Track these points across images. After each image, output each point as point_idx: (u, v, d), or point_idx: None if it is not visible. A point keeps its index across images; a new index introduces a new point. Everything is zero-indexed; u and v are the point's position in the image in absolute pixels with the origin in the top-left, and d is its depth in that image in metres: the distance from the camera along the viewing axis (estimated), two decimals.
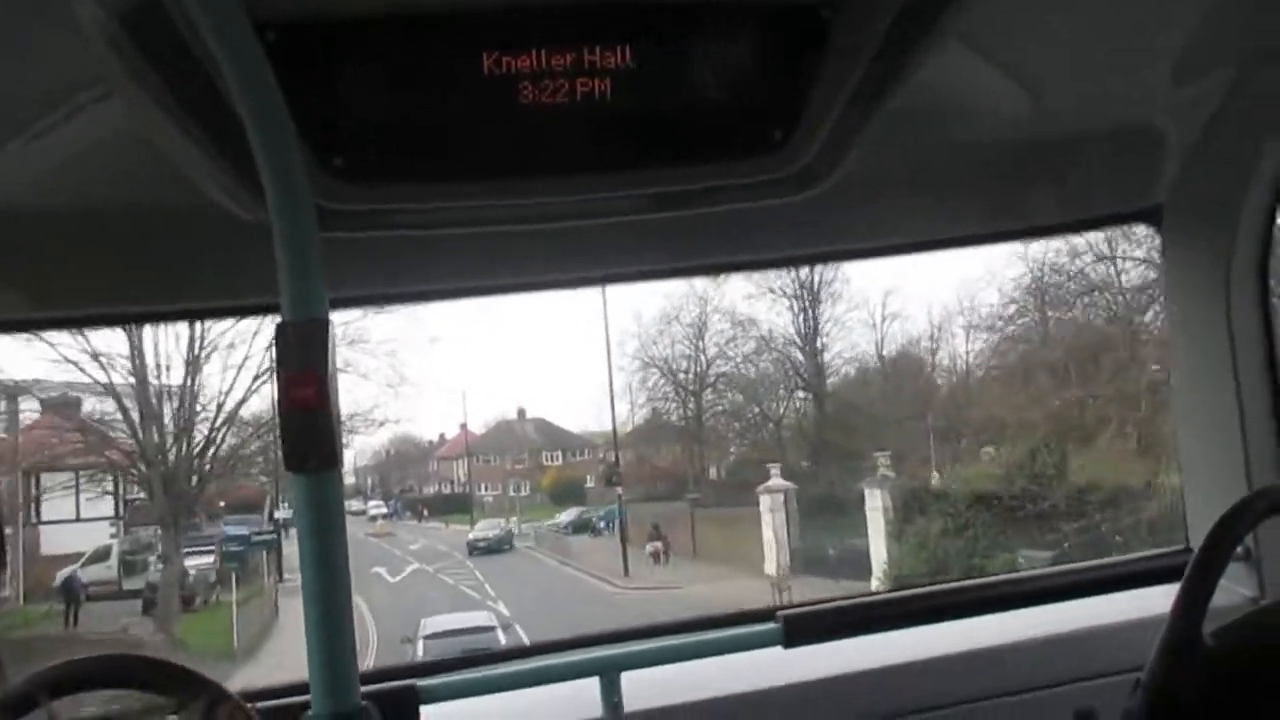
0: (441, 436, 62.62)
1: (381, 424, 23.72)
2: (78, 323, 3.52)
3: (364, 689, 1.49)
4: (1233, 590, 2.15)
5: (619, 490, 31.09)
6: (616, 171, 1.62)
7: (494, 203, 1.63)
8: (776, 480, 24.12)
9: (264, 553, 29.44)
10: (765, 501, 23.74)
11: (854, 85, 1.56)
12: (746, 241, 2.08)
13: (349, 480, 58.85)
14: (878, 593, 3.75)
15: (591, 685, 1.99)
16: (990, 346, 26.21)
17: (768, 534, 23.49)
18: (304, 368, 1.35)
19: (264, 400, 20.46)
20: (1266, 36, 1.84)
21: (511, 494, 55.19)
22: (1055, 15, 1.61)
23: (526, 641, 16.03)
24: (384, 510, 52.65)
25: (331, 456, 1.41)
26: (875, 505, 20.16)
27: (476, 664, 2.15)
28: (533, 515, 45.32)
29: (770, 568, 22.97)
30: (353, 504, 53.21)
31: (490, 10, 1.46)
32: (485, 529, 38.20)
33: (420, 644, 16.20)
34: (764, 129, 1.60)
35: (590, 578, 27.56)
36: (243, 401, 19.44)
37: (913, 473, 20.72)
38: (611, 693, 1.96)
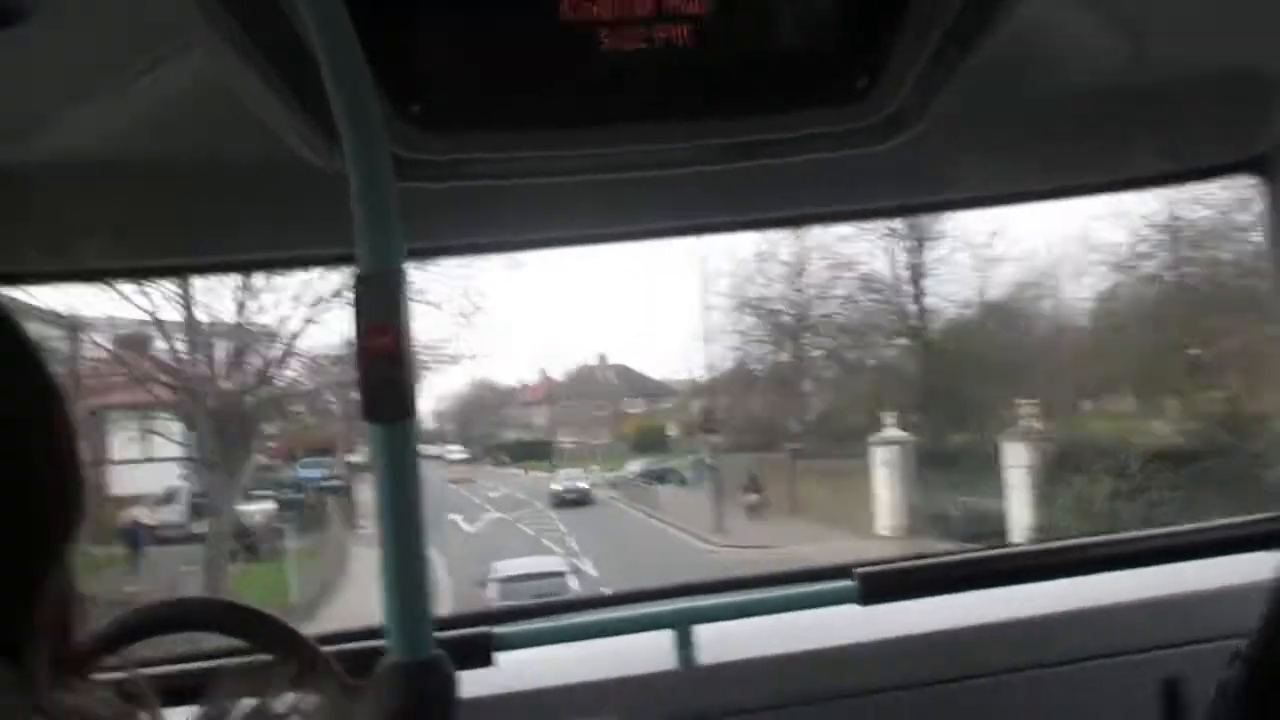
0: (522, 382, 62.41)
1: (455, 360, 21.14)
2: (155, 272, 3.42)
3: (438, 635, 1.48)
4: None
5: (714, 438, 28.42)
6: (697, 120, 1.52)
7: (572, 152, 1.55)
8: (892, 431, 21.44)
9: (336, 499, 27.92)
10: (879, 454, 21.11)
11: (942, 31, 1.42)
12: (830, 192, 1.97)
13: (427, 425, 57.82)
14: (958, 551, 3.42)
15: (664, 637, 1.92)
16: (1125, 286, 23.03)
17: (881, 490, 20.91)
18: (382, 318, 1.34)
19: (325, 336, 19.40)
20: None
21: (593, 442, 54.11)
22: None
23: (599, 587, 16.71)
24: (463, 454, 51.65)
25: (408, 406, 1.39)
26: (1017, 462, 17.48)
27: (550, 612, 2.09)
28: (614, 464, 43.49)
29: (884, 527, 20.43)
30: (430, 449, 53.56)
31: None
32: (570, 479, 35.34)
33: (494, 587, 16.09)
34: (848, 76, 1.47)
35: (681, 533, 25.26)
36: (296, 336, 17.45)
37: (1060, 425, 17.80)
38: (685, 645, 1.90)
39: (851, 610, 1.99)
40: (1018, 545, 3.03)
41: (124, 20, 1.30)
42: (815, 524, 23.23)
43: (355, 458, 39.28)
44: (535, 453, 51.55)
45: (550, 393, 57.36)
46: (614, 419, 55.47)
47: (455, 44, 1.42)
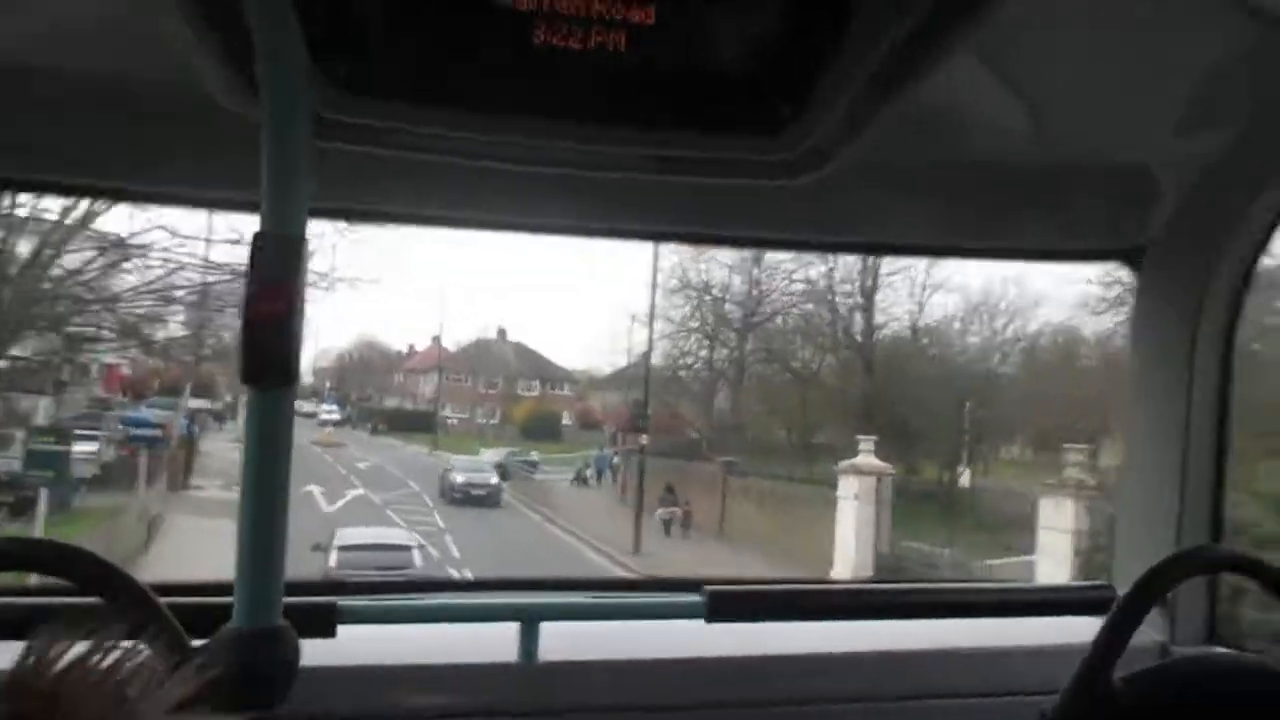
0: (411, 348, 57.63)
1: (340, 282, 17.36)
2: (52, 188, 3.13)
3: (284, 600, 1.48)
4: (1145, 633, 2.00)
5: (644, 439, 23.72)
6: (619, 126, 1.50)
7: (491, 138, 1.53)
8: (867, 458, 17.32)
9: (170, 450, 22.66)
10: (849, 485, 17.06)
11: (868, 75, 1.46)
12: (739, 217, 1.99)
13: (306, 380, 52.81)
14: (803, 580, 3.19)
15: (509, 629, 1.88)
16: None
17: (845, 528, 16.91)
18: (277, 280, 1.33)
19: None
20: (1276, 90, 1.82)
21: (480, 420, 49.93)
22: (1072, 45, 1.61)
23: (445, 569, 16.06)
24: (336, 416, 46.86)
25: (289, 373, 1.37)
26: (1059, 523, 13.47)
27: (398, 589, 2.11)
28: (500, 448, 38.96)
29: (842, 570, 16.31)
30: (304, 405, 50.68)
31: None
32: (474, 468, 28.39)
33: (334, 554, 14.89)
34: (773, 107, 1.49)
35: (585, 547, 20.76)
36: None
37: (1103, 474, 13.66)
38: (529, 640, 1.87)
39: (699, 625, 1.96)
40: (865, 581, 3.29)
41: None
42: (746, 550, 19.22)
43: (202, 402, 34.50)
44: (417, 424, 47.18)
45: (441, 362, 52.39)
46: (506, 399, 50.94)
47: (390, 11, 1.39)
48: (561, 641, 1.89)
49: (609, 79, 1.41)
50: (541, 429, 46.80)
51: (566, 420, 48.54)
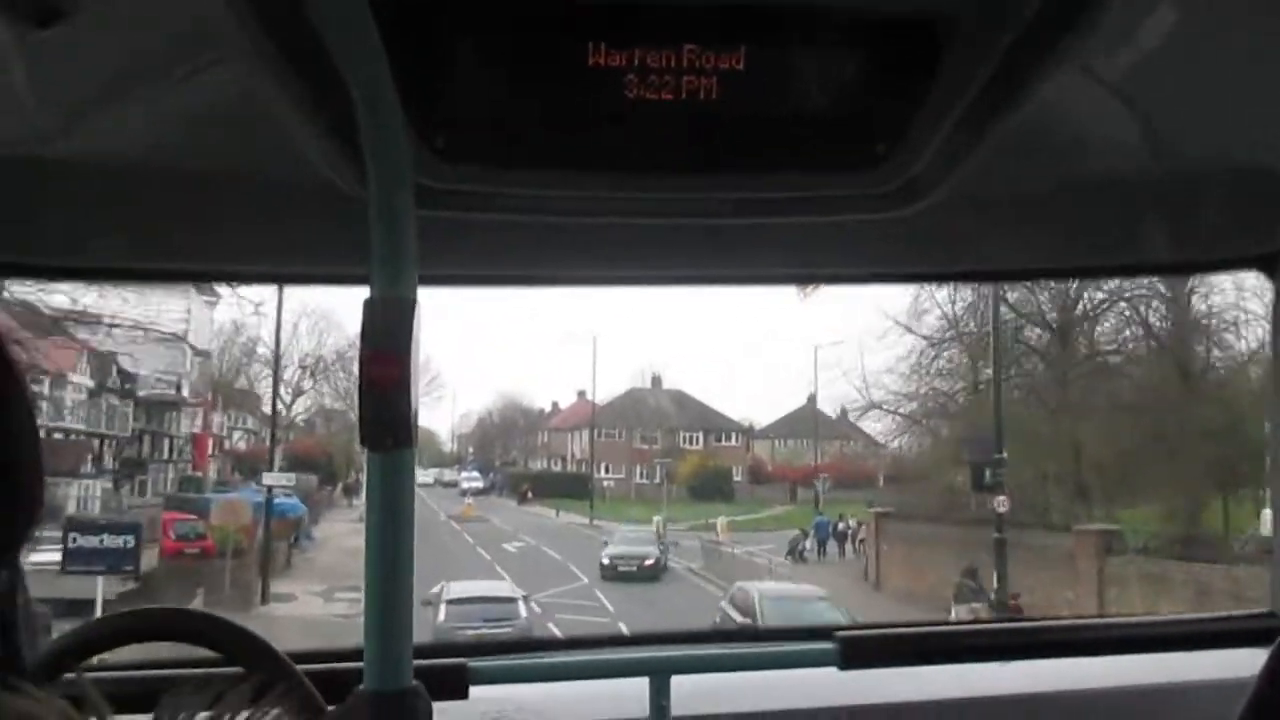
0: (555, 405, 51.85)
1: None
2: (170, 276, 2.94)
3: (415, 663, 1.50)
4: None
5: (1001, 502, 15.67)
6: (717, 173, 1.52)
7: (591, 194, 1.57)
8: None
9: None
10: None
11: (965, 105, 1.44)
12: (841, 255, 1.93)
13: (446, 448, 51.27)
14: (942, 623, 3.09)
15: (639, 685, 1.84)
16: None
17: None
18: (388, 346, 1.36)
19: None
20: None
21: (639, 480, 43.19)
22: (1181, 50, 1.46)
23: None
24: (479, 484, 40.78)
25: (407, 436, 1.38)
26: None
27: (526, 649, 2.13)
28: (671, 511, 31.93)
29: None
30: (445, 474, 44.46)
31: (601, 2, 1.39)
32: (629, 541, 23.73)
33: (443, 608, 14.73)
34: (868, 142, 1.48)
35: None
36: None
37: None
38: (660, 695, 1.83)
39: (831, 673, 1.93)
40: (1002, 621, 3.31)
41: (162, 27, 1.32)
42: None
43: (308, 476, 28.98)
44: (569, 489, 40.79)
45: (590, 418, 45.94)
46: (667, 453, 43.90)
47: (484, 80, 1.42)
48: (693, 695, 1.86)
49: (703, 127, 1.42)
50: (710, 487, 40.10)
51: (737, 476, 41.93)
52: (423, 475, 44.55)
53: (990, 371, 16.69)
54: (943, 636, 2.11)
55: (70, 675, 0.82)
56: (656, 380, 47.85)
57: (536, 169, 1.46)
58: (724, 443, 45.18)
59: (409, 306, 1.38)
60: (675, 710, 1.82)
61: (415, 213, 1.41)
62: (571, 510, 35.86)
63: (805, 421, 46.53)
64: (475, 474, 41.89)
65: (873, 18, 1.41)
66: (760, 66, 1.39)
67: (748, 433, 46.14)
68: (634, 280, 2.13)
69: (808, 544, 23.39)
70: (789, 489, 41.84)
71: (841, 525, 23.30)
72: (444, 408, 71.82)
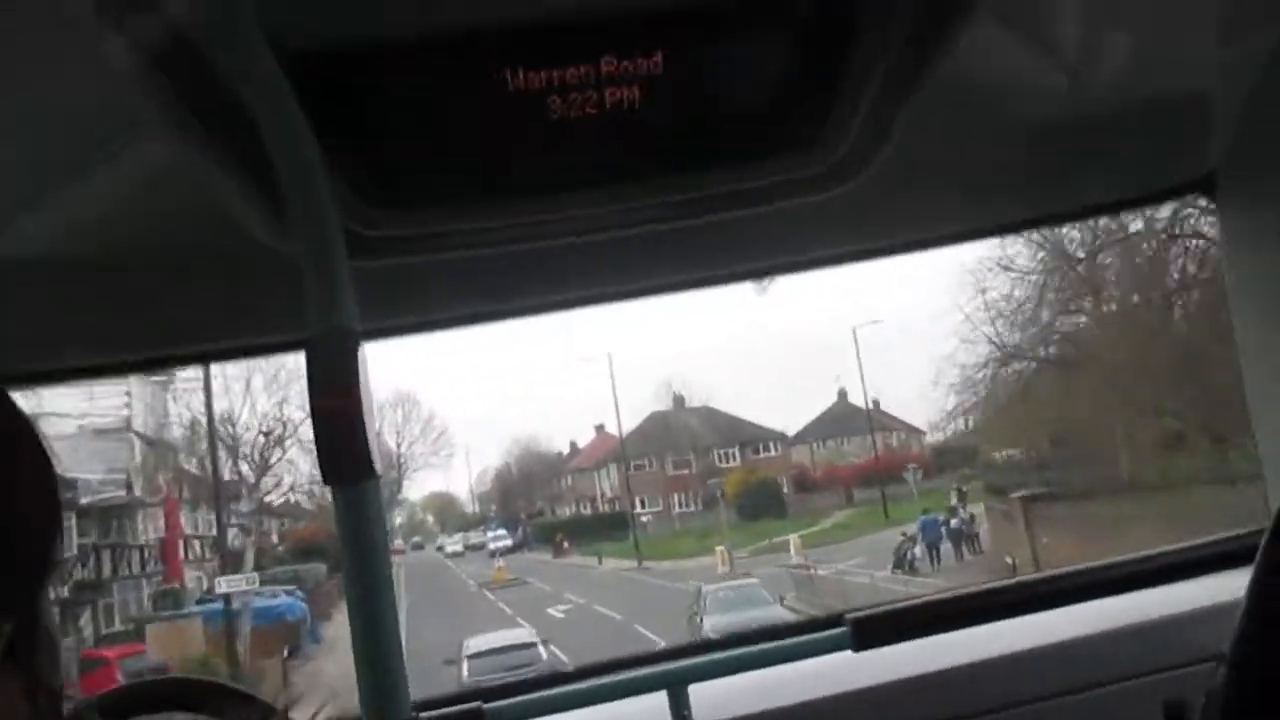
0: (573, 445, 48.11)
1: None
2: (124, 368, 2.21)
3: (427, 715, 1.59)
4: None
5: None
6: (651, 179, 1.51)
7: (529, 219, 1.54)
8: None
9: None
10: None
11: (885, 72, 1.45)
12: (789, 244, 1.95)
13: (468, 509, 49.61)
14: (946, 590, 2.57)
15: (659, 700, 1.84)
16: None
17: None
18: (336, 380, 1.30)
19: None
20: None
21: (679, 509, 39.26)
22: None
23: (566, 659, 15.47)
24: (506, 541, 36.81)
25: (367, 466, 1.35)
26: None
27: (540, 685, 2.02)
28: (733, 538, 28.13)
29: None
30: (471, 536, 41.65)
31: (515, 27, 1.39)
32: (734, 605, 17.09)
33: (465, 664, 14.95)
34: (795, 125, 1.49)
35: None
36: None
37: None
38: (680, 706, 1.84)
39: (845, 658, 1.93)
40: (1004, 580, 2.44)
41: (71, 113, 1.32)
42: None
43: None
44: (606, 531, 36.79)
45: (615, 452, 42.20)
46: (702, 477, 40.17)
47: (406, 121, 1.41)
48: (714, 701, 1.88)
49: (631, 135, 1.42)
50: (759, 503, 36.30)
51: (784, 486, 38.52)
52: (451, 544, 40.94)
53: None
54: (950, 603, 2.09)
55: None
56: (679, 400, 43.98)
57: (472, 203, 1.46)
58: (762, 454, 41.52)
59: (352, 340, 1.32)
60: (697, 717, 1.82)
61: (350, 262, 1.34)
62: (614, 554, 31.86)
63: (840, 420, 43.33)
64: (502, 531, 37.98)
65: (780, 2, 1.41)
66: (679, 67, 1.39)
67: (785, 440, 42.55)
68: (589, 300, 2.03)
69: (917, 550, 19.13)
70: (843, 493, 38.19)
71: (954, 522, 19.11)
72: (458, 468, 68.98)
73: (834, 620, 1.93)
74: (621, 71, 1.37)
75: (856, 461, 39.66)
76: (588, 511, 42.72)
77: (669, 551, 30.79)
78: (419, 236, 1.49)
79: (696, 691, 1.82)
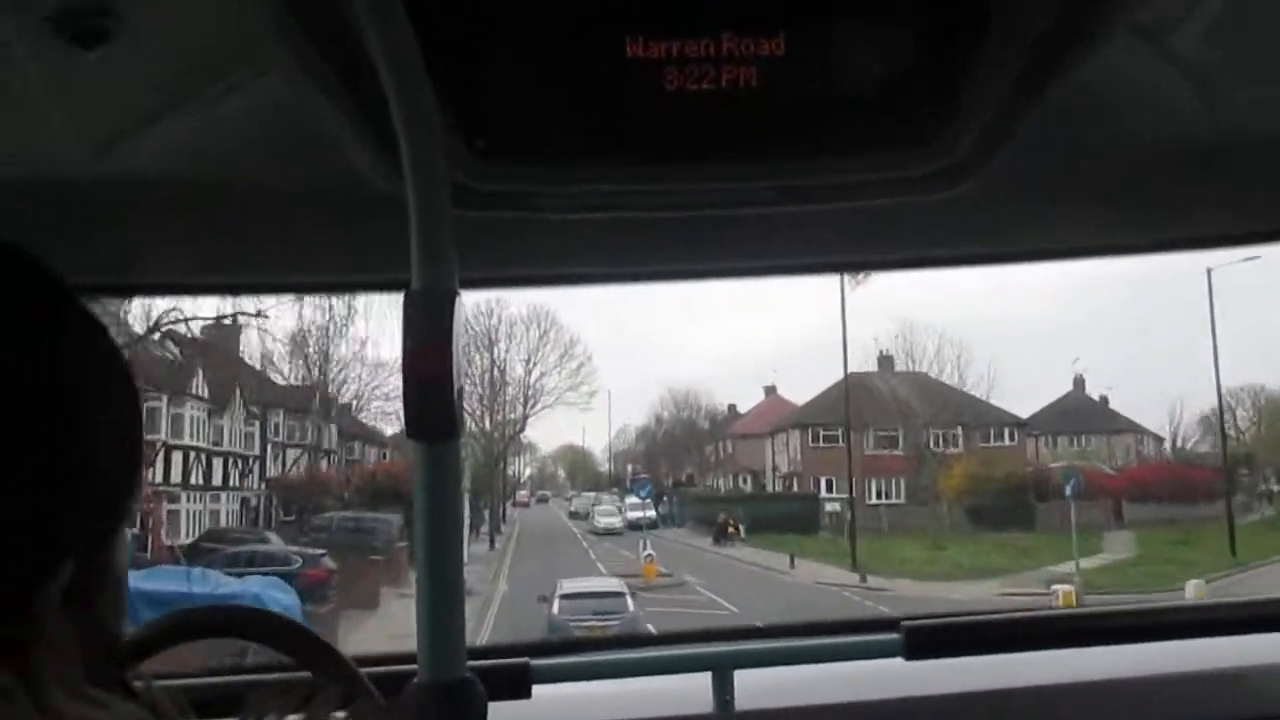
0: (731, 409, 38.96)
1: None
2: (220, 289, 2.97)
3: (476, 663, 1.49)
4: None
5: None
6: (760, 162, 1.48)
7: (635, 188, 1.52)
8: None
9: None
10: None
11: (1014, 76, 1.40)
12: (893, 239, 1.82)
13: (602, 468, 43.17)
14: (1008, 611, 2.65)
15: (703, 680, 1.81)
16: None
17: None
18: (430, 338, 1.34)
19: None
20: None
21: (874, 499, 29.28)
22: (1238, 8, 1.38)
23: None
24: (650, 513, 27.11)
25: (452, 427, 1.39)
26: None
27: (588, 648, 2.16)
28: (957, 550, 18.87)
29: None
30: (603, 499, 34.04)
31: None
32: None
33: (556, 602, 15.28)
34: (915, 121, 1.43)
35: None
36: None
37: None
38: (724, 689, 1.80)
39: (895, 664, 1.88)
40: (1068, 609, 2.58)
41: (201, 43, 1.34)
42: None
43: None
44: (787, 518, 27.09)
45: (793, 417, 33.86)
46: (910, 464, 30.18)
47: (521, 78, 1.41)
48: (757, 690, 1.84)
49: (744, 115, 1.40)
50: (1002, 508, 26.97)
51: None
52: (579, 501, 34.72)
53: None
54: (1008, 624, 2.08)
55: (140, 683, 0.82)
56: (885, 361, 33.68)
57: (577, 166, 1.47)
58: (993, 443, 31.35)
59: (449, 297, 1.38)
60: (739, 705, 1.81)
61: (454, 212, 1.40)
62: (807, 553, 21.92)
63: (1075, 414, 33.73)
64: (644, 498, 28.26)
65: None
66: (801, 51, 1.37)
67: (1022, 427, 32.49)
68: (682, 275, 2.06)
69: None
70: (1109, 507, 28.34)
71: None
72: (596, 417, 60.20)
73: (889, 624, 1.91)
74: (742, 50, 1.35)
75: (1128, 468, 29.87)
76: (747, 486, 34.97)
77: (889, 560, 20.77)
78: (524, 193, 1.50)
79: (741, 677, 1.80)
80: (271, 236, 1.69)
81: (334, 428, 24.61)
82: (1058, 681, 1.89)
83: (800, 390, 35.06)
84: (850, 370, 31.11)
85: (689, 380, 44.97)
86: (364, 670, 1.35)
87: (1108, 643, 1.97)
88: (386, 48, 1.23)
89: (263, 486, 21.64)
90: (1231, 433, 31.93)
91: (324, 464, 24.15)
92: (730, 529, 25.59)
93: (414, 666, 1.39)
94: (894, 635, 1.84)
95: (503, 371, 29.90)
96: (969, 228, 1.76)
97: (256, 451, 21.40)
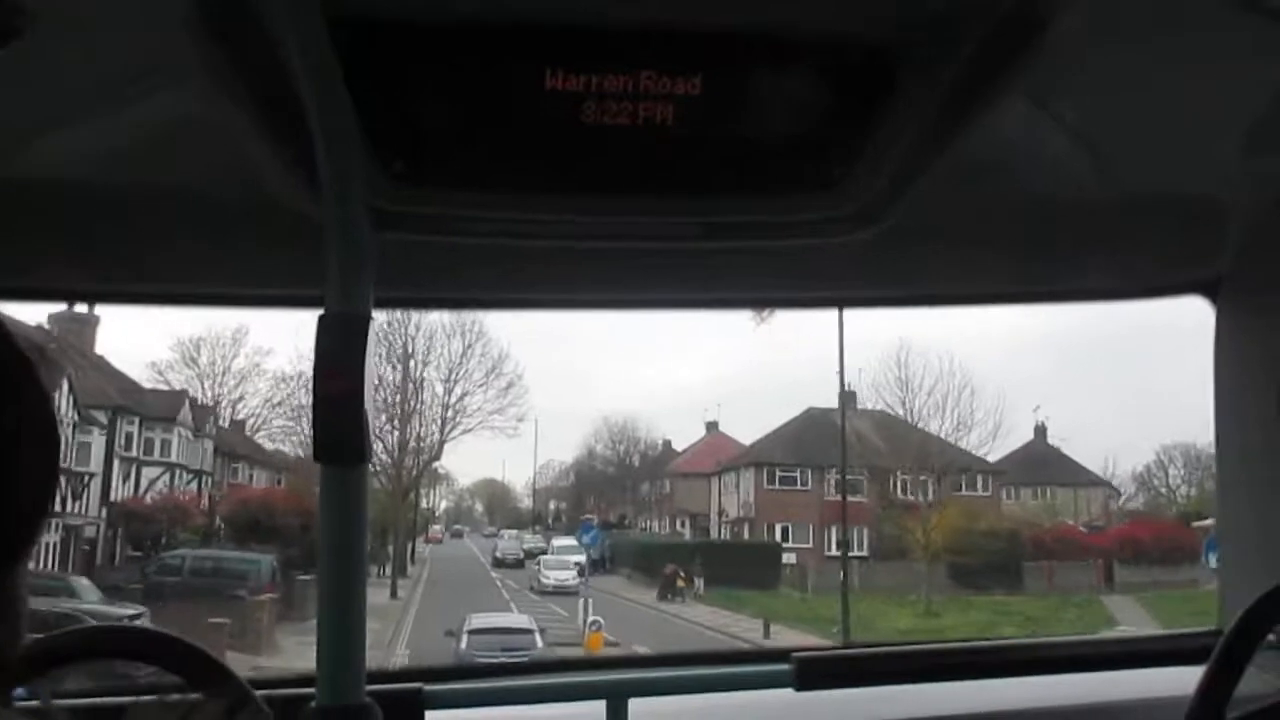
0: (666, 445, 35.41)
1: None
2: (122, 298, 2.27)
3: (370, 688, 1.49)
4: (1259, 677, 1.78)
5: None
6: (673, 197, 1.53)
7: (547, 217, 1.57)
8: None
9: None
10: None
11: (917, 130, 1.47)
12: (796, 279, 1.95)
13: (524, 503, 40.76)
14: (895, 644, 3.02)
15: (598, 708, 1.80)
16: None
17: None
18: (341, 362, 1.36)
19: None
20: None
21: (831, 551, 25.81)
22: (1126, 78, 1.51)
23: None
24: (578, 558, 22.89)
25: (360, 450, 1.41)
26: None
27: (483, 674, 2.14)
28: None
29: None
30: (525, 537, 30.98)
31: (559, 27, 1.39)
32: None
33: (464, 638, 14.70)
34: (824, 166, 1.50)
35: None
36: None
37: None
38: (618, 717, 1.79)
39: (787, 695, 1.87)
40: (958, 642, 2.58)
41: (120, 47, 1.31)
42: None
43: None
44: (741, 569, 23.30)
45: (746, 456, 29.75)
46: (874, 509, 27.24)
47: (442, 105, 1.41)
48: (651, 718, 1.83)
49: (659, 151, 1.40)
50: (989, 567, 23.43)
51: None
52: (505, 543, 30.79)
53: None
54: (898, 657, 2.09)
55: (32, 700, 0.75)
56: (848, 399, 30.27)
57: (494, 192, 1.45)
58: (965, 492, 28.36)
59: (362, 323, 1.35)
60: None
61: (373, 235, 1.37)
62: (777, 616, 18.15)
63: (1038, 463, 30.67)
64: (590, 544, 24.19)
65: (828, 44, 1.39)
66: (717, 92, 1.37)
67: (997, 476, 29.73)
68: (597, 304, 2.04)
69: None
70: (1098, 568, 25.62)
71: None
72: (520, 452, 55.67)
73: (780, 655, 1.89)
74: (659, 88, 1.35)
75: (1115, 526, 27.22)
76: (685, 531, 31.25)
77: (881, 631, 17.16)
78: (442, 217, 1.49)
79: (635, 705, 1.78)
80: (179, 248, 1.65)
81: (208, 444, 20.12)
82: (949, 713, 1.88)
83: (743, 428, 31.46)
84: (809, 407, 28.01)
85: (625, 411, 40.98)
86: (261, 693, 1.35)
87: (998, 676, 2.00)
88: (307, 67, 1.21)
89: (102, 513, 17.00)
90: (1164, 490, 30.69)
91: (195, 487, 19.68)
92: (680, 581, 21.60)
93: (312, 690, 1.40)
94: (785, 666, 1.81)
95: (419, 388, 25.59)
96: (878, 271, 1.81)
97: (94, 469, 16.78)
